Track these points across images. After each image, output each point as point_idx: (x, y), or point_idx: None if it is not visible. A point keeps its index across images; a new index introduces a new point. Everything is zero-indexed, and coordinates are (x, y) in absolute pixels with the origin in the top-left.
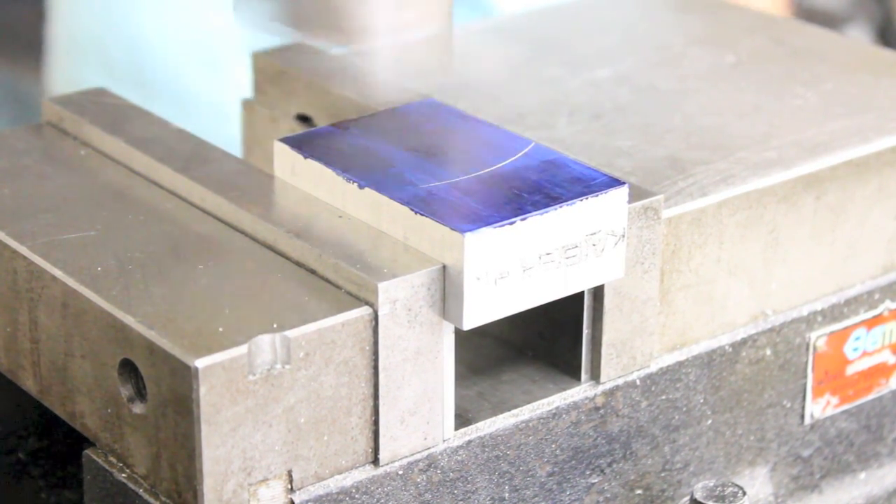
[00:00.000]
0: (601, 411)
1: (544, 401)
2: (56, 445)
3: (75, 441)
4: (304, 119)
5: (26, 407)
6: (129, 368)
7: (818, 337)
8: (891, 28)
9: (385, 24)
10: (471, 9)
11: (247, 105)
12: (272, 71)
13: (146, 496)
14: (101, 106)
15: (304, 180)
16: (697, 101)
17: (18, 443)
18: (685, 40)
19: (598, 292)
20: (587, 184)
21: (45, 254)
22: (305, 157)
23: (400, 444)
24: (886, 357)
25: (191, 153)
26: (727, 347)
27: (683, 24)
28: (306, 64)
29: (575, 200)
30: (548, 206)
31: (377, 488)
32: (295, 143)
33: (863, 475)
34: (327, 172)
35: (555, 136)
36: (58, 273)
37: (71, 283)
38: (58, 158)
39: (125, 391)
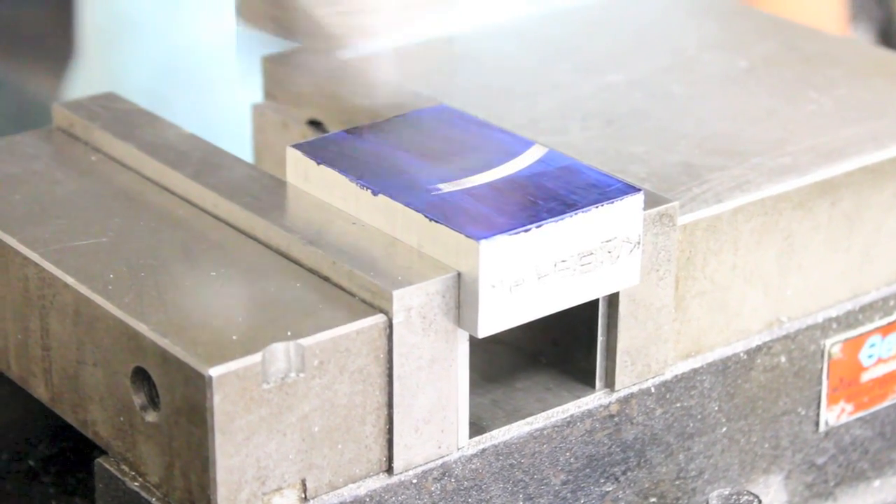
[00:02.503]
0: (616, 419)
1: (559, 408)
2: (66, 452)
3: (86, 448)
4: (315, 124)
5: (36, 414)
6: (141, 376)
7: (833, 344)
8: (892, 28)
9: (387, 24)
10: None
11: (257, 110)
12: (282, 76)
13: None
14: (111, 111)
15: (317, 187)
16: (711, 106)
17: (29, 450)
18: (698, 45)
19: (612, 299)
20: (602, 190)
21: (57, 261)
22: (318, 164)
23: (414, 453)
24: None
25: (202, 159)
26: (742, 354)
27: (696, 28)
28: (317, 69)
29: (590, 207)
30: (563, 212)
31: (391, 497)
32: (308, 149)
33: (877, 482)
34: (341, 179)
35: (568, 141)
36: (70, 280)
37: (83, 290)
38: (69, 164)
39: (138, 399)
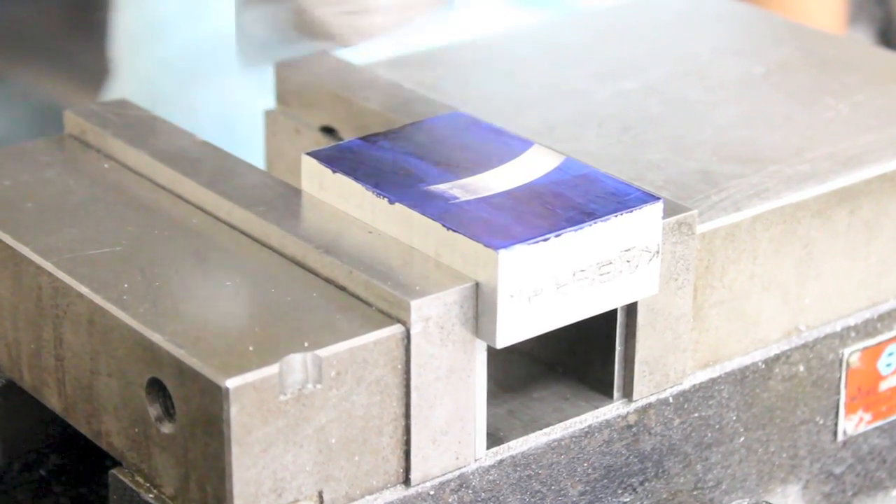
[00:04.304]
0: (633, 429)
1: (576, 419)
2: (78, 462)
3: (98, 458)
4: (328, 130)
5: (48, 423)
6: (157, 387)
7: (851, 353)
8: (891, 29)
9: (387, 24)
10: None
11: (270, 116)
12: (296, 82)
13: None
14: (123, 117)
15: (332, 195)
16: (727, 112)
17: (40, 459)
18: (713, 50)
19: (630, 309)
20: (621, 199)
21: (71, 270)
22: (334, 172)
23: (431, 464)
24: None
25: (216, 166)
26: (760, 364)
27: (710, 33)
28: (330, 75)
29: (609, 216)
30: (582, 221)
31: None
32: (323, 157)
33: (895, 492)
34: (356, 187)
35: (584, 148)
36: (84, 290)
37: (97, 300)
38: (81, 171)
39: (153, 410)
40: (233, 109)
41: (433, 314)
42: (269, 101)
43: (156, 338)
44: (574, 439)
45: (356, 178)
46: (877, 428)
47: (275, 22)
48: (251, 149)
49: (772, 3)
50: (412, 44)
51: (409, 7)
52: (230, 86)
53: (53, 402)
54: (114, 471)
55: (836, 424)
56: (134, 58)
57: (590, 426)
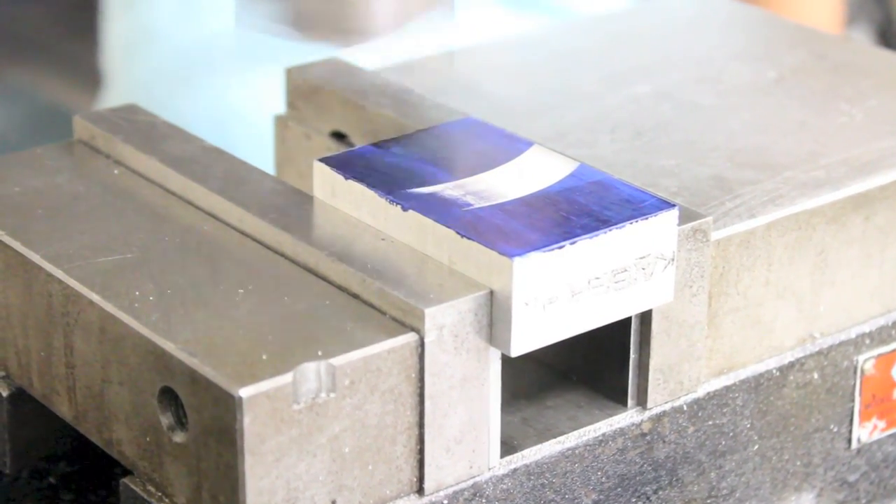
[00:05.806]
0: (648, 437)
1: (590, 427)
2: (87, 470)
3: (107, 465)
4: (338, 136)
5: (57, 431)
6: (169, 396)
7: (866, 360)
8: (891, 29)
9: (387, 20)
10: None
11: (280, 121)
12: (306, 87)
13: None
14: (133, 123)
15: (344, 202)
16: (741, 117)
17: (49, 467)
18: (725, 55)
19: (645, 316)
20: (636, 206)
21: (82, 277)
22: (346, 178)
23: (445, 473)
24: None
25: (227, 172)
26: (775, 371)
27: (722, 38)
28: (341, 80)
29: (624, 223)
30: (597, 229)
31: None
32: (335, 163)
33: None
34: (369, 194)
35: (597, 154)
36: (95, 297)
37: (109, 308)
38: (91, 177)
39: (165, 419)
40: (226, 116)
41: (447, 322)
42: (262, 107)
43: (168, 346)
44: (588, 448)
45: (369, 185)
46: (891, 435)
47: (273, 21)
48: (244, 155)
49: (770, 3)
50: (421, 48)
51: (407, 6)
52: (223, 92)
53: (64, 410)
54: (125, 479)
55: (850, 432)
56: (127, 64)
57: (604, 434)
